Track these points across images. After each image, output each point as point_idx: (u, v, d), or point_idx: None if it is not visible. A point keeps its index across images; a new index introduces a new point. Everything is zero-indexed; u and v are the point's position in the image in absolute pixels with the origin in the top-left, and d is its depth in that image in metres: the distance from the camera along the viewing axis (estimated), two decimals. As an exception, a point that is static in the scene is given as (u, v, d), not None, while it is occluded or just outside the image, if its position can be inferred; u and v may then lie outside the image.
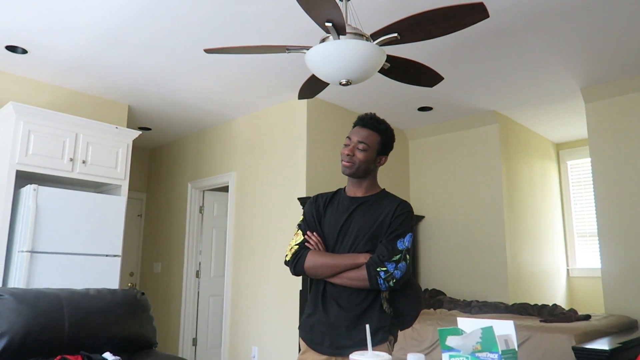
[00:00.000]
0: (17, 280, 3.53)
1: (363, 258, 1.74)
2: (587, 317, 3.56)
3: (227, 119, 5.40)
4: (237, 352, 4.87)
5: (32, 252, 3.61)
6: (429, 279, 5.45)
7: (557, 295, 5.70)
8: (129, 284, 6.08)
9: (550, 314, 3.64)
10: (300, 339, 1.88)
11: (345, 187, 1.95)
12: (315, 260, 1.78)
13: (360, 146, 1.82)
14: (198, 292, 5.71)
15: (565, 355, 2.85)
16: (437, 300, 4.40)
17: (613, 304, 4.17)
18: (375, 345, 1.70)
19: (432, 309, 4.16)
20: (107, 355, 2.23)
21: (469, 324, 1.19)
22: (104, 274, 3.93)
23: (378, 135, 1.84)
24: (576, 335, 2.94)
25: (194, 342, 5.62)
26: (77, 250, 3.84)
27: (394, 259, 1.70)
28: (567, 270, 6.03)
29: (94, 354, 2.21)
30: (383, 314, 1.77)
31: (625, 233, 4.22)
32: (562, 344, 2.91)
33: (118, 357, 2.25)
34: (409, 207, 1.83)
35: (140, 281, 6.31)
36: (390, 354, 1.74)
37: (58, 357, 2.10)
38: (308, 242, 1.84)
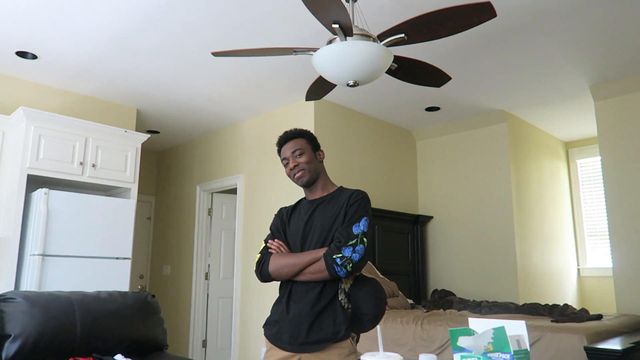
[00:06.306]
0: (29, 284, 3.57)
1: (322, 251, 1.77)
2: (598, 317, 3.53)
3: (235, 121, 5.42)
4: (246, 354, 4.88)
5: (43, 255, 3.64)
6: (438, 279, 5.43)
7: (568, 295, 5.66)
8: (139, 287, 6.12)
9: (561, 314, 3.61)
10: (265, 337, 1.91)
11: (305, 196, 2.03)
12: (277, 262, 1.84)
13: (297, 152, 1.94)
14: (207, 294, 5.73)
15: (577, 355, 2.82)
16: (446, 300, 4.38)
17: (625, 304, 4.13)
18: (338, 341, 1.74)
19: (441, 310, 4.14)
20: (118, 357, 2.25)
21: (480, 325, 1.19)
22: (114, 277, 3.96)
23: (302, 138, 1.99)
24: (588, 335, 2.92)
25: (204, 343, 5.64)
26: (87, 253, 3.87)
27: (350, 243, 1.74)
28: (578, 269, 5.98)
29: (105, 357, 2.22)
30: (344, 311, 1.79)
31: (637, 232, 4.17)
32: (574, 344, 2.88)
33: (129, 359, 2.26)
34: (362, 194, 1.89)
35: (149, 283, 6.34)
36: (355, 349, 1.77)
37: (70, 360, 2.12)
38: (270, 247, 1.90)
